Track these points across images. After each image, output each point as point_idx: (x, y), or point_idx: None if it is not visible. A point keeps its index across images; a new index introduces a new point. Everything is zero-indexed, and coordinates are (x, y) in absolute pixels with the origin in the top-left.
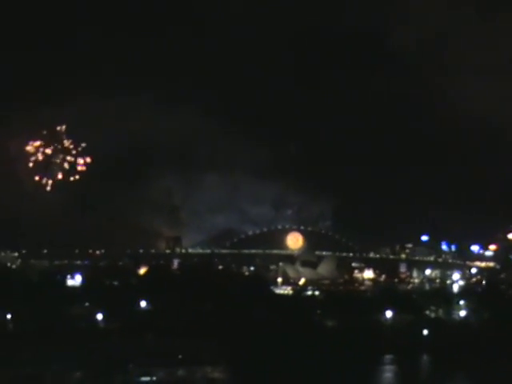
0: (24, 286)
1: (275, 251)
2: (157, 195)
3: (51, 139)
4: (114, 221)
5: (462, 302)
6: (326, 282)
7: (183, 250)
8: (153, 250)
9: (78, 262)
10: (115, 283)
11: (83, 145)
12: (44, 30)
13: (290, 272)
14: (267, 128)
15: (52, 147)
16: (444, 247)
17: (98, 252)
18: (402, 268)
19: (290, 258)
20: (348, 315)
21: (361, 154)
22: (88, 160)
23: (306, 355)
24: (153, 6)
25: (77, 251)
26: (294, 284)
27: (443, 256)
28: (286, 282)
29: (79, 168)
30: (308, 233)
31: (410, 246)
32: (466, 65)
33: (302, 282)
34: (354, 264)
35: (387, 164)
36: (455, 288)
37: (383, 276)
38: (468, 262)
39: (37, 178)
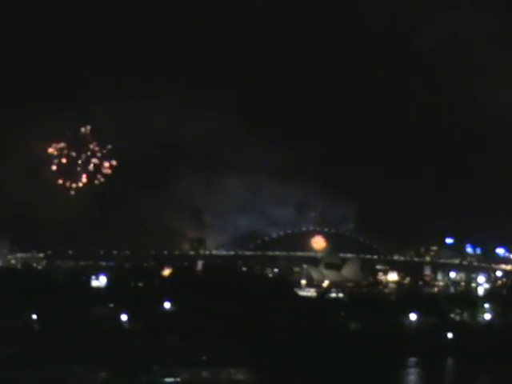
0: (49, 287)
1: (299, 253)
2: (181, 197)
3: (76, 141)
4: (139, 222)
5: (487, 305)
6: (350, 284)
7: (207, 252)
8: (177, 252)
9: (103, 263)
10: (140, 284)
11: (109, 147)
12: (70, 32)
13: (314, 274)
14: (290, 129)
15: (77, 149)
16: (469, 250)
17: (122, 253)
18: (427, 271)
19: (314, 260)
20: (372, 318)
21: (385, 155)
22: (114, 163)
23: (329, 357)
24: (176, 9)
25: (102, 252)
26: (318, 286)
27: (468, 259)
28: (309, 284)
29: (105, 171)
30: (332, 235)
31: (434, 248)
32: (491, 65)
33: (325, 284)
34: (378, 266)
35: (412, 165)
36: (480, 291)
37: (407, 278)
38: (493, 265)
39: (61, 182)
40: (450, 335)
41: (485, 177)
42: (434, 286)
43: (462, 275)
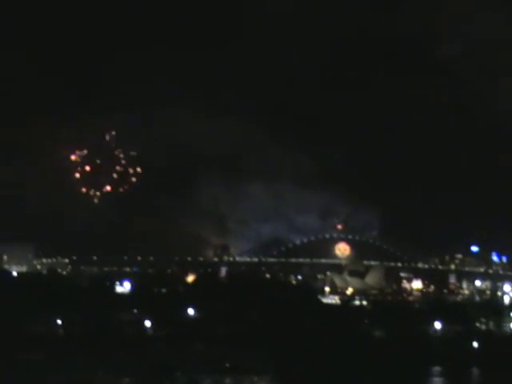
0: (74, 292)
1: (323, 260)
2: (205, 204)
3: (100, 149)
4: (163, 229)
5: None
6: (374, 291)
7: (231, 259)
8: (201, 258)
9: (127, 269)
10: (163, 290)
11: (133, 153)
12: (94, 40)
13: (338, 281)
14: (314, 136)
15: (101, 157)
16: (494, 258)
17: (146, 259)
18: (452, 279)
19: (338, 268)
20: (396, 326)
21: (409, 162)
22: (138, 169)
23: (353, 365)
24: (201, 18)
25: (126, 258)
26: (342, 293)
27: (494, 267)
28: (333, 292)
29: (129, 179)
30: (356, 242)
31: (459, 256)
32: None
33: (349, 291)
34: (402, 274)
35: (437, 172)
36: (506, 300)
37: (432, 287)
38: None
39: (84, 190)
40: (475, 344)
41: (510, 185)
42: (458, 294)
43: (487, 284)
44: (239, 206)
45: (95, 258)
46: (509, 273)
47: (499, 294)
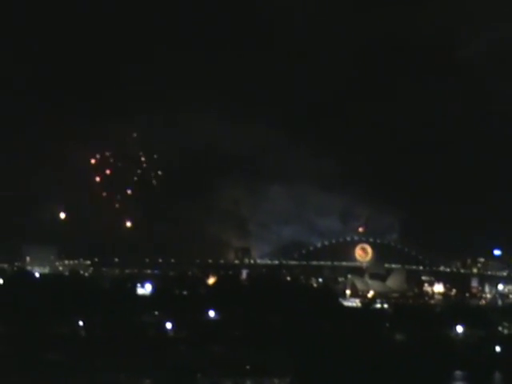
0: (96, 294)
1: (344, 263)
2: (226, 206)
3: (120, 152)
4: (184, 231)
5: None
6: (395, 295)
7: (252, 261)
8: (222, 261)
9: (148, 271)
10: (184, 292)
11: (154, 156)
12: (115, 44)
13: (359, 284)
14: (335, 139)
15: (121, 160)
16: None
17: (167, 261)
18: (474, 283)
19: (359, 271)
20: (417, 329)
21: (430, 165)
22: (159, 172)
23: (374, 369)
24: (222, 21)
25: (147, 260)
26: (363, 297)
27: None
28: (354, 295)
29: (150, 182)
30: (377, 245)
31: (481, 260)
32: None
33: (370, 294)
34: (423, 277)
35: (458, 175)
36: None
37: (454, 290)
38: None
39: (105, 193)
40: (497, 349)
41: None
42: (481, 298)
43: (510, 287)
44: (260, 209)
45: (117, 259)
46: None
47: None
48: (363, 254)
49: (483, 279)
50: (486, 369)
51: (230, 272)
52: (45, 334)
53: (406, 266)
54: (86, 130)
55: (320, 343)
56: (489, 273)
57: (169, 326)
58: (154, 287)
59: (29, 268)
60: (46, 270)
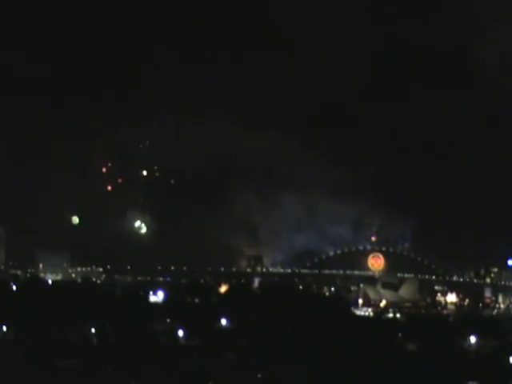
0: (108, 301)
1: (356, 272)
2: (238, 214)
3: (131, 160)
4: (196, 239)
5: None
6: (408, 304)
7: (264, 269)
8: (234, 269)
9: (161, 279)
10: (196, 300)
11: (166, 163)
12: (126, 50)
13: (371, 294)
14: (347, 148)
15: (133, 169)
16: None
17: (180, 269)
18: (487, 293)
19: (371, 280)
20: (430, 339)
21: (443, 173)
22: (172, 181)
23: (386, 378)
24: (233, 23)
25: (159, 268)
26: (375, 306)
27: None
28: (366, 304)
29: (162, 190)
30: (389, 254)
31: (495, 270)
32: None
33: (383, 304)
34: (436, 287)
35: (471, 184)
36: None
37: (467, 300)
38: None
39: (116, 202)
40: (511, 359)
41: None
42: (494, 308)
43: None
44: (272, 217)
45: (129, 267)
46: None
47: None
48: (376, 263)
49: (496, 289)
50: (500, 380)
51: (242, 280)
52: (57, 341)
53: (419, 276)
54: (99, 138)
55: (332, 352)
56: (502, 283)
57: (181, 333)
58: (166, 295)
59: (42, 275)
60: (59, 277)
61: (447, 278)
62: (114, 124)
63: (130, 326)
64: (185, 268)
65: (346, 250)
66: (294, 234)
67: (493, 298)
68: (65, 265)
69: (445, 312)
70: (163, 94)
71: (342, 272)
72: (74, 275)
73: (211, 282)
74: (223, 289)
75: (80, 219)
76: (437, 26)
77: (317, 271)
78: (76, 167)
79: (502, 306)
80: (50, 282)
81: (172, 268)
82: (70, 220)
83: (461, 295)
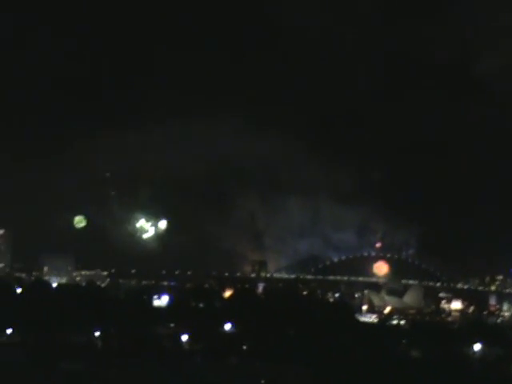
0: (112, 305)
1: (360, 278)
2: (242, 219)
3: (135, 164)
4: (201, 243)
5: None
6: (412, 311)
7: (268, 275)
8: (238, 274)
9: (165, 283)
10: (201, 305)
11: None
12: (134, 56)
13: (376, 300)
14: (352, 153)
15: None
16: None
17: (184, 274)
18: (492, 300)
19: (376, 286)
20: (434, 346)
21: (448, 179)
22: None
23: None
24: (248, 31)
25: (164, 272)
26: (379, 312)
27: None
28: (370, 310)
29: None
30: (394, 260)
31: (500, 277)
32: None
33: (387, 310)
34: (441, 294)
35: (477, 191)
36: None
37: (471, 308)
38: None
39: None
40: None
41: None
42: (499, 316)
43: None
44: (276, 222)
45: (133, 271)
46: None
47: None
48: (380, 269)
49: (501, 297)
50: None
51: (247, 285)
52: (61, 344)
53: (424, 283)
54: (104, 140)
55: (336, 358)
56: (507, 291)
57: (184, 338)
58: (170, 299)
59: (46, 278)
60: (64, 280)
61: (452, 285)
62: (118, 127)
63: (133, 330)
64: (189, 272)
65: (351, 256)
66: (298, 239)
67: (497, 306)
68: (69, 268)
69: (449, 319)
70: (169, 97)
71: (346, 278)
72: (78, 278)
73: (215, 287)
74: (227, 293)
75: (85, 223)
76: (438, 34)
77: (321, 277)
78: (81, 170)
79: (506, 313)
80: (54, 285)
81: (176, 272)
82: (75, 224)
83: (465, 302)
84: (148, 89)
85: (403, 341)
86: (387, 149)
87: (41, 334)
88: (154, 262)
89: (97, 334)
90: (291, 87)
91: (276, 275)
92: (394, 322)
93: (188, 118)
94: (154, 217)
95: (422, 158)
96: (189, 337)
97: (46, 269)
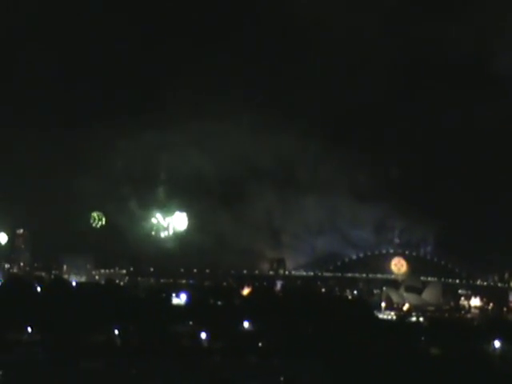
0: (131, 303)
1: (379, 275)
2: (260, 217)
3: (154, 163)
4: (219, 241)
5: None
6: (431, 308)
7: (286, 272)
8: (256, 271)
9: (183, 281)
10: (219, 303)
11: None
12: (150, 59)
13: (394, 297)
14: (369, 150)
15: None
16: None
17: (202, 272)
18: None
19: (394, 283)
20: (453, 343)
21: (467, 176)
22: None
23: (409, 382)
24: (262, 30)
25: (182, 270)
26: (398, 309)
27: None
28: (389, 307)
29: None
30: (413, 257)
31: None
32: None
33: (406, 307)
34: (460, 291)
35: (496, 187)
36: None
37: (491, 304)
38: None
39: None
40: None
41: None
42: None
43: None
44: (295, 220)
45: (152, 269)
46: None
47: None
48: (399, 266)
49: None
50: None
51: (265, 283)
52: (80, 342)
53: (443, 279)
54: (122, 140)
55: (354, 355)
56: None
57: (203, 336)
58: (188, 297)
59: (66, 276)
60: (83, 279)
61: (471, 282)
62: (136, 126)
63: (152, 328)
64: (207, 271)
65: (369, 254)
66: (316, 237)
67: None
68: (88, 266)
69: (469, 316)
70: (186, 97)
71: (364, 275)
72: (97, 277)
73: (234, 285)
74: (246, 291)
75: (104, 221)
76: (455, 33)
77: (339, 274)
78: (100, 170)
79: None
80: (74, 283)
81: (195, 270)
82: (93, 219)
83: (485, 299)
84: (165, 89)
85: (422, 338)
86: (405, 146)
87: (61, 333)
88: (172, 261)
89: (116, 332)
90: (308, 85)
91: (294, 273)
92: (413, 318)
93: (205, 117)
94: (173, 215)
95: (439, 154)
96: (207, 335)
97: (65, 267)
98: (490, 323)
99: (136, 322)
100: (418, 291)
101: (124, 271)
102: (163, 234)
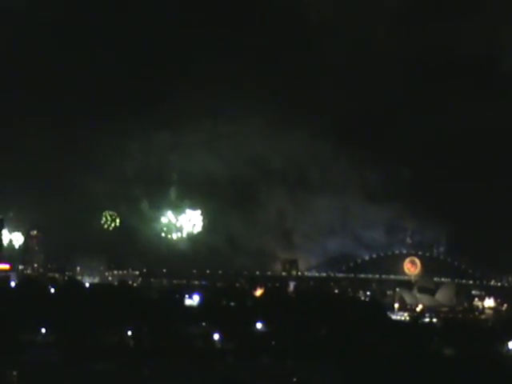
0: (144, 304)
1: (392, 276)
2: (272, 218)
3: (165, 164)
4: (231, 242)
5: None
6: (445, 309)
7: (299, 273)
8: (269, 272)
9: (196, 282)
10: (232, 304)
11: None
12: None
13: (407, 298)
14: (381, 151)
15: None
16: None
17: (215, 273)
18: None
19: (408, 284)
20: (467, 344)
21: (480, 176)
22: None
23: (422, 383)
24: (275, 31)
25: (195, 271)
26: (411, 310)
27: None
28: (402, 308)
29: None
30: (426, 258)
31: None
32: None
33: (419, 308)
34: (473, 292)
35: (508, 187)
36: None
37: (505, 305)
38: None
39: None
40: None
41: None
42: None
43: None
44: (307, 221)
45: (165, 270)
46: None
47: None
48: (412, 267)
49: None
50: None
51: (278, 284)
52: (94, 343)
53: (456, 280)
54: (134, 142)
55: (367, 356)
56: None
57: (216, 337)
58: (201, 298)
59: (79, 278)
60: (96, 280)
61: (485, 283)
62: (149, 126)
63: (165, 329)
64: (220, 271)
65: (382, 254)
66: (328, 238)
67: None
68: (101, 268)
69: (482, 317)
70: (198, 98)
71: (377, 276)
72: (110, 278)
73: (246, 286)
74: (258, 292)
75: (118, 223)
76: (466, 33)
77: (352, 275)
78: (112, 172)
79: None
80: (87, 285)
81: (207, 271)
82: (107, 223)
83: (499, 300)
84: (177, 89)
85: (435, 338)
86: (418, 146)
87: (74, 334)
88: (185, 262)
89: (129, 333)
90: (320, 86)
91: (307, 274)
92: (426, 319)
93: (216, 119)
94: (185, 216)
95: (452, 155)
96: (220, 336)
97: (78, 269)
98: (503, 324)
99: (149, 323)
100: (431, 292)
101: (137, 272)
102: (176, 235)
